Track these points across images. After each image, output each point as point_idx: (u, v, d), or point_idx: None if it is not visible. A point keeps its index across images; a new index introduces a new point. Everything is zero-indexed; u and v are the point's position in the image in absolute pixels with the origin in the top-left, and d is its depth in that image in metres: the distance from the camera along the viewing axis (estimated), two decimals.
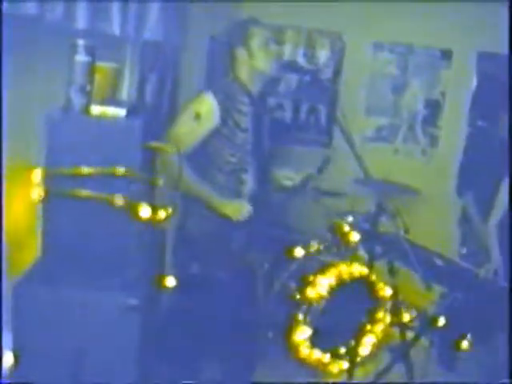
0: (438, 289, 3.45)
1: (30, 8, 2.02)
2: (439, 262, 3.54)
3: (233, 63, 3.16)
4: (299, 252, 4.12)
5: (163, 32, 3.18)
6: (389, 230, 3.31)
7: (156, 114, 3.10)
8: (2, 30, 1.95)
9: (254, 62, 3.12)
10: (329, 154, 3.58)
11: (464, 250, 4.37)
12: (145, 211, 2.12)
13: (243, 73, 3.15)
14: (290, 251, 4.09)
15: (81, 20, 2.42)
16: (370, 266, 3.57)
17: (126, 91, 3.22)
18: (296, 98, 5.25)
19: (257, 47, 3.10)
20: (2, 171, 2.09)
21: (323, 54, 5.23)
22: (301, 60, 5.12)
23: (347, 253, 4.11)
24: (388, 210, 3.15)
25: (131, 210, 2.11)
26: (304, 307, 3.76)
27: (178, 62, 4.07)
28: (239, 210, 3.09)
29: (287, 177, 3.51)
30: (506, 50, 4.44)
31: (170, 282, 2.72)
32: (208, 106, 2.99)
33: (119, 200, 2.08)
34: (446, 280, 3.47)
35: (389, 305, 3.89)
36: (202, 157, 3.03)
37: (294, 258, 4.08)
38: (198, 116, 2.96)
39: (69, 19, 2.35)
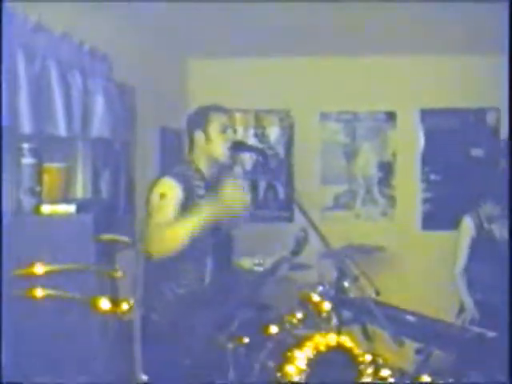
0: (413, 345, 3.44)
1: None
2: (411, 319, 3.54)
3: (190, 147, 3.21)
4: (274, 329, 4.09)
5: (110, 128, 3.23)
6: (358, 294, 3.32)
7: (111, 207, 3.12)
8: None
9: (210, 148, 3.16)
10: (303, 235, 3.59)
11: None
12: (105, 304, 2.12)
13: (199, 157, 3.18)
14: (264, 329, 4.05)
15: (26, 125, 2.47)
16: (340, 332, 3.55)
17: (80, 189, 3.24)
18: (252, 177, 5.34)
19: (215, 133, 3.15)
20: None
21: (273, 132, 5.37)
22: (252, 140, 5.24)
23: (321, 323, 4.09)
24: (349, 274, 3.16)
25: (91, 304, 2.11)
26: None
27: (131, 156, 4.13)
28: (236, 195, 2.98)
29: (256, 263, 3.52)
30: (449, 104, 4.62)
31: (142, 378, 2.68)
32: (169, 185, 3.02)
33: (77, 296, 2.07)
34: (419, 335, 3.46)
35: (370, 369, 3.85)
36: None
37: (269, 336, 4.03)
38: (162, 196, 2.99)
39: (14, 125, 2.40)
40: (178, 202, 3.02)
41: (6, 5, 2.34)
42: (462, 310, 3.99)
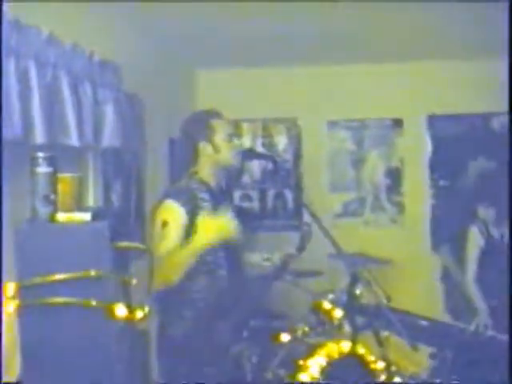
0: (427, 350, 3.44)
1: None
2: (424, 323, 3.54)
3: (195, 158, 3.15)
4: (285, 337, 4.08)
5: (120, 139, 3.24)
6: (370, 300, 3.32)
7: (123, 217, 3.12)
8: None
9: (219, 157, 3.11)
10: (307, 230, 3.59)
11: (449, 306, 4.40)
12: (121, 310, 2.12)
13: (205, 168, 3.14)
14: (276, 338, 4.05)
15: (38, 135, 2.48)
16: (355, 339, 3.54)
17: (91, 198, 3.25)
18: (261, 186, 5.35)
19: (221, 141, 3.10)
20: None
21: (281, 141, 5.39)
22: (260, 150, 5.26)
23: (333, 330, 4.08)
24: (362, 279, 3.16)
25: (107, 311, 2.11)
26: None
27: (141, 166, 4.15)
28: (226, 225, 2.97)
29: (265, 258, 3.49)
30: (456, 110, 4.61)
31: None
32: (172, 210, 2.98)
33: (94, 302, 2.08)
34: (433, 340, 3.46)
35: (383, 376, 3.84)
36: None
37: (280, 345, 4.03)
38: (165, 224, 2.95)
39: (27, 135, 2.42)
40: (182, 228, 2.96)
41: (18, 19, 2.37)
42: (473, 315, 3.98)
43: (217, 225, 2.93)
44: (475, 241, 4.10)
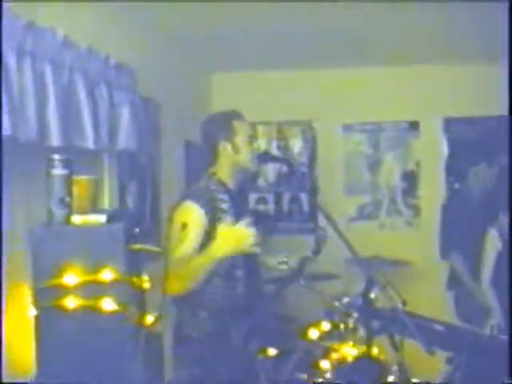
0: (443, 355, 3.41)
1: (4, 130, 2.08)
2: (439, 328, 3.51)
3: (214, 159, 3.12)
4: (300, 341, 4.08)
5: (136, 141, 3.25)
6: (385, 304, 3.30)
7: (138, 219, 3.13)
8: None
9: (239, 158, 3.09)
10: (323, 234, 3.57)
11: (460, 311, 4.37)
12: (133, 313, 2.13)
13: (224, 169, 3.11)
14: (291, 341, 4.05)
15: (54, 138, 2.49)
16: (369, 344, 3.53)
17: (106, 200, 3.26)
18: (277, 189, 5.35)
19: (242, 143, 3.08)
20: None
21: (296, 144, 5.38)
22: (275, 153, 5.26)
23: (348, 334, 4.07)
24: (378, 283, 3.14)
25: (121, 313, 2.12)
26: None
27: (157, 169, 4.16)
28: (246, 237, 2.86)
29: (281, 261, 3.47)
30: (471, 113, 4.56)
31: None
32: (191, 211, 2.94)
33: (109, 304, 2.09)
34: (449, 344, 3.43)
35: (398, 380, 3.82)
36: None
37: (296, 348, 4.03)
38: (184, 226, 2.90)
39: (42, 138, 2.43)
40: (201, 230, 2.93)
41: (34, 22, 2.38)
42: (488, 316, 3.96)
43: (237, 236, 2.89)
44: (493, 244, 4.07)
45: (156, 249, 2.40)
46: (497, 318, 3.93)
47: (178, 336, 3.17)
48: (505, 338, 3.53)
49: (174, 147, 4.61)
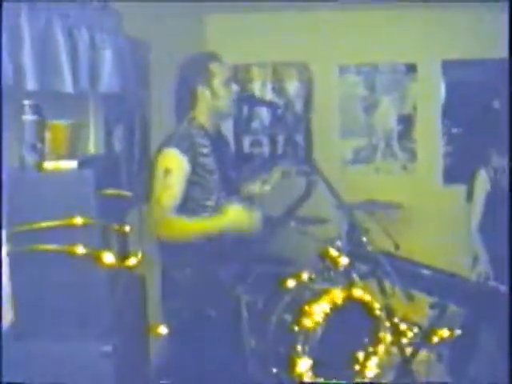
0: (428, 300, 3.44)
1: None
2: (426, 272, 3.52)
3: (193, 103, 3.12)
4: (291, 283, 4.11)
5: (120, 84, 3.19)
6: (375, 248, 3.31)
7: (120, 163, 3.11)
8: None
9: (216, 102, 3.09)
10: (312, 179, 3.57)
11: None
12: (108, 258, 2.13)
13: (203, 113, 3.11)
14: (281, 283, 4.07)
15: (30, 82, 2.45)
16: (354, 286, 3.55)
17: (92, 145, 3.24)
18: (271, 132, 5.31)
19: (219, 86, 3.07)
20: None
21: (292, 86, 5.30)
22: (270, 95, 5.19)
23: (338, 278, 4.09)
24: (360, 227, 3.14)
25: (95, 258, 2.13)
26: (302, 338, 3.72)
27: (145, 112, 4.11)
28: (248, 217, 3.03)
29: (262, 181, 3.44)
30: (470, 56, 4.48)
31: (162, 330, 2.74)
32: (174, 158, 2.97)
33: (81, 249, 2.09)
34: (435, 289, 3.45)
35: (387, 324, 3.85)
36: (181, 211, 3.01)
37: (286, 290, 4.06)
38: (166, 172, 2.93)
39: (17, 82, 2.39)
40: (185, 177, 2.97)
41: None
42: (475, 264, 3.98)
43: (236, 214, 2.95)
44: (482, 184, 4.04)
45: (127, 193, 2.40)
46: (483, 265, 3.94)
47: (165, 279, 3.20)
48: (492, 284, 3.54)
49: (165, 89, 4.54)
